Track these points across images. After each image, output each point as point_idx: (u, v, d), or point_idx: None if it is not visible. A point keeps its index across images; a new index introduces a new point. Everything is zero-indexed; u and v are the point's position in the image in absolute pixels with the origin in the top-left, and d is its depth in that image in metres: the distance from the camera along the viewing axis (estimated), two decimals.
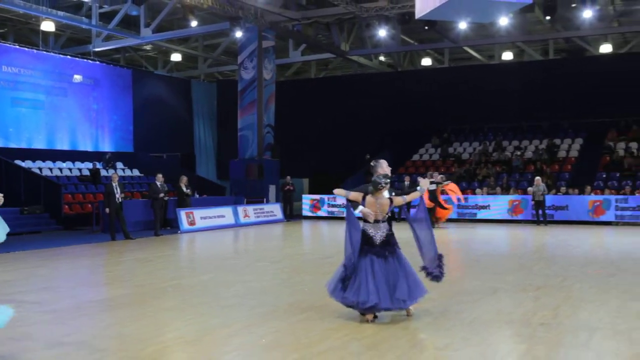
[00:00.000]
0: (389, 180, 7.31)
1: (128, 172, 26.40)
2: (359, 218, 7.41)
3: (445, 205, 21.46)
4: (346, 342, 6.44)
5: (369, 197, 7.26)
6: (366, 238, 7.30)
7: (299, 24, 26.10)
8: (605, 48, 30.16)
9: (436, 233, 8.14)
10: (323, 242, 18.25)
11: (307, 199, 26.64)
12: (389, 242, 7.35)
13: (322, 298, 8.66)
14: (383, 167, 7.54)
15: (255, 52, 26.32)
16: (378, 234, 7.30)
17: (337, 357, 5.94)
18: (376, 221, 7.28)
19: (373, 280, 7.06)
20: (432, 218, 19.54)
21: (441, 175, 21.41)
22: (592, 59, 30.20)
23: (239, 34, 25.19)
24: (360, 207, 7.28)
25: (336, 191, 7.73)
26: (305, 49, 30.14)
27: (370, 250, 7.26)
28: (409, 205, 8.91)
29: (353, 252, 7.25)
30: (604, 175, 24.62)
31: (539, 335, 6.73)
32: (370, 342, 6.45)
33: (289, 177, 26.48)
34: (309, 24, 26.11)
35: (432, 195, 20.17)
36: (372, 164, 7.74)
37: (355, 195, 7.35)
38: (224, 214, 22.38)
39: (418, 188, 7.61)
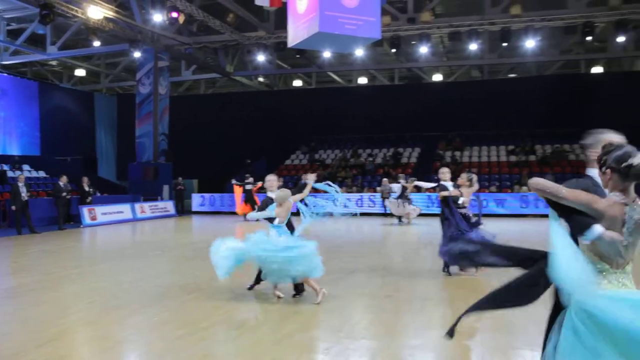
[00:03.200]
0: None
1: (35, 174, 24.55)
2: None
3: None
4: (228, 317, 6.37)
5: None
6: None
7: (191, 47, 25.51)
8: (437, 77, 31.84)
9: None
10: (210, 233, 17.88)
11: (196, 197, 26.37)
12: None
13: (208, 281, 8.52)
14: (445, 173, 9.29)
15: (151, 71, 25.44)
16: None
17: (220, 330, 5.88)
18: None
19: None
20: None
21: (252, 178, 21.33)
22: (427, 85, 31.69)
23: (137, 54, 24.22)
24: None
25: None
26: (196, 69, 29.50)
27: None
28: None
29: None
30: (436, 178, 25.80)
31: (384, 306, 6.99)
32: (248, 317, 6.43)
33: (180, 178, 25.84)
34: (199, 48, 25.57)
35: (249, 194, 20.37)
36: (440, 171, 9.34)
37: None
38: (123, 210, 21.44)
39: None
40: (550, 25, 21.10)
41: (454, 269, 8.91)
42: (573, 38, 23.36)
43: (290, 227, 7.34)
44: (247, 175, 21.50)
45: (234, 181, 21.66)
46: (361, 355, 5.03)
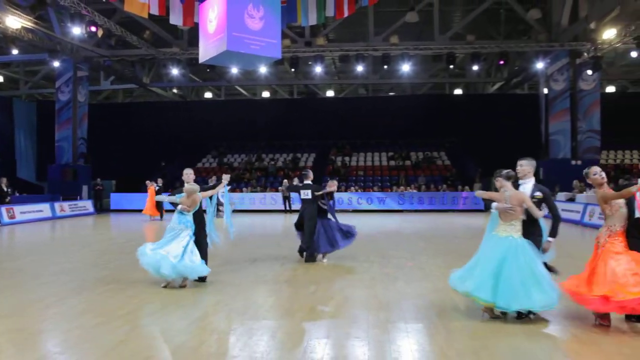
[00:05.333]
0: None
1: None
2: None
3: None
4: (142, 306, 6.12)
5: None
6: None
7: (109, 60, 24.13)
8: (330, 93, 32.42)
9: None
10: (126, 229, 17.00)
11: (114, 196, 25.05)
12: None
13: (124, 273, 8.15)
14: (310, 174, 9.27)
15: (71, 79, 23.79)
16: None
17: (135, 317, 5.63)
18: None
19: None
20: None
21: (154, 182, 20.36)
22: (321, 100, 32.20)
23: (56, 63, 22.59)
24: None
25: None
26: (114, 80, 27.99)
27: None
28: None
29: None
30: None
31: (283, 290, 7.01)
32: (162, 304, 6.20)
33: (99, 179, 24.43)
34: (118, 60, 24.25)
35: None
36: (303, 172, 9.42)
37: None
38: (42, 209, 19.88)
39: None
40: (422, 54, 22.19)
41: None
42: (439, 65, 24.78)
43: (200, 220, 7.26)
44: (149, 181, 20.30)
45: (148, 182, 20.60)
46: (263, 333, 5.02)
